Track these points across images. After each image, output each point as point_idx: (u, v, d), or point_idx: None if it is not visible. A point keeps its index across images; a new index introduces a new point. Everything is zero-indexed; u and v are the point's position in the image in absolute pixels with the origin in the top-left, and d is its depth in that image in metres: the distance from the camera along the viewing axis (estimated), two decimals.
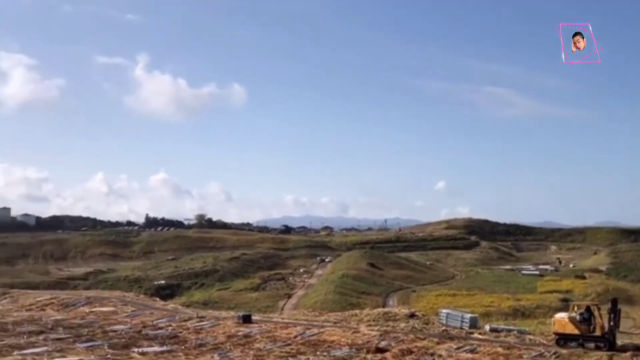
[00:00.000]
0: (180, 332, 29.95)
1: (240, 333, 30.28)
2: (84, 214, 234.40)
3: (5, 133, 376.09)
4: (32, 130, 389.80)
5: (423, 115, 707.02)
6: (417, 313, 42.60)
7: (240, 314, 38.99)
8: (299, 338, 29.67)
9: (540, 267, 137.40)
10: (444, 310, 39.75)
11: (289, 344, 27.98)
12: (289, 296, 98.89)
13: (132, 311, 39.11)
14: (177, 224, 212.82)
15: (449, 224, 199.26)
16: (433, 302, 79.53)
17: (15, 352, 21.84)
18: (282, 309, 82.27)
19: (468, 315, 37.97)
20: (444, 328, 36.26)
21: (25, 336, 23.88)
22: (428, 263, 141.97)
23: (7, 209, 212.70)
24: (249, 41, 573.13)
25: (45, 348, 22.81)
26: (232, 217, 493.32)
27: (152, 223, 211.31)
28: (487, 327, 36.66)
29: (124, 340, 26.23)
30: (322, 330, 32.55)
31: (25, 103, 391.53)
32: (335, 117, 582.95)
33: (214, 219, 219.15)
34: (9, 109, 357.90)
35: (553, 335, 31.91)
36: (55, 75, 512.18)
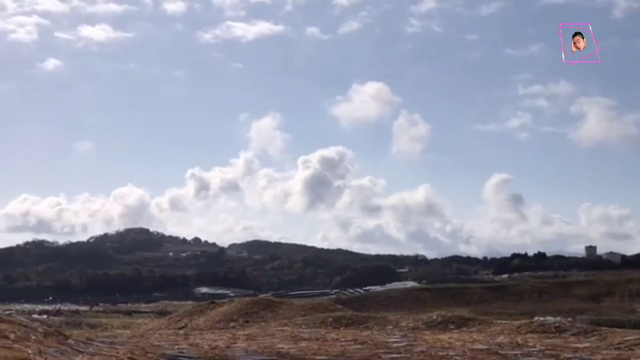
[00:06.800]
0: None
1: None
2: None
3: (583, 172, 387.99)
4: (610, 169, 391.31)
5: None
6: None
7: None
8: None
9: None
10: None
11: None
12: None
13: None
14: None
15: None
16: None
17: None
18: None
19: None
20: None
21: None
22: None
23: (593, 248, 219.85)
24: None
25: None
26: None
27: None
28: None
29: None
30: None
31: (601, 142, 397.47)
32: None
33: None
34: (584, 150, 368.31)
35: None
36: (632, 112, 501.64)
